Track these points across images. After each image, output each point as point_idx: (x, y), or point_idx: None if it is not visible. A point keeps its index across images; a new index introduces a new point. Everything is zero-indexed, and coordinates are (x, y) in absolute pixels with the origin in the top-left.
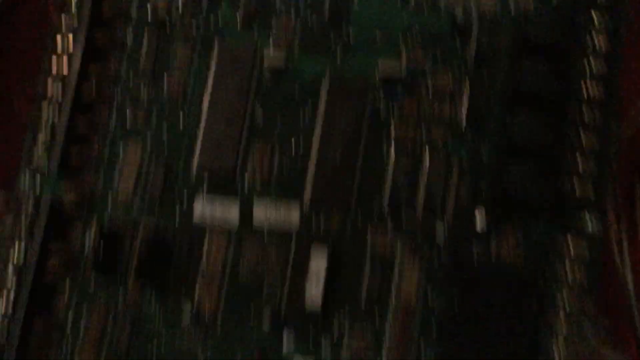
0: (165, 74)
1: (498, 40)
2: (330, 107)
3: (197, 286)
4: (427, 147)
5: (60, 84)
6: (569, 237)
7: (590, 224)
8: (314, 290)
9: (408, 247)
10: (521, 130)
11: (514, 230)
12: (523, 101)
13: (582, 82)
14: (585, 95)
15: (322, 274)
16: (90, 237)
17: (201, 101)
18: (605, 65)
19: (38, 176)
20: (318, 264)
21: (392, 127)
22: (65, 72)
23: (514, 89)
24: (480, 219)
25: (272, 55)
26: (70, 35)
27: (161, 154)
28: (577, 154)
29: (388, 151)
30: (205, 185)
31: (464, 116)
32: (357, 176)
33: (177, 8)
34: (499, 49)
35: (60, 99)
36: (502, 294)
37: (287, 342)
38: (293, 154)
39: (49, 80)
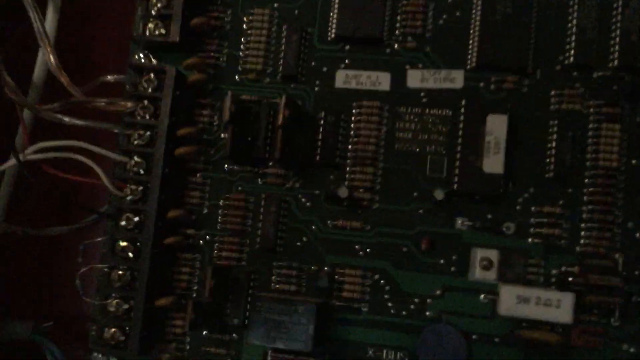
0: None
1: None
2: None
3: (349, 163)
4: None
5: None
6: None
7: None
8: (494, 161)
9: (603, 108)
10: None
11: None
12: None
13: None
14: None
15: (502, 144)
16: (222, 117)
17: None
18: None
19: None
20: (497, 134)
21: None
22: None
23: None
24: None
25: None
26: None
27: (292, 21)
28: None
29: None
30: (347, 58)
31: None
32: (533, 27)
33: None
34: None
35: None
36: None
37: (461, 224)
38: (452, 8)
39: None
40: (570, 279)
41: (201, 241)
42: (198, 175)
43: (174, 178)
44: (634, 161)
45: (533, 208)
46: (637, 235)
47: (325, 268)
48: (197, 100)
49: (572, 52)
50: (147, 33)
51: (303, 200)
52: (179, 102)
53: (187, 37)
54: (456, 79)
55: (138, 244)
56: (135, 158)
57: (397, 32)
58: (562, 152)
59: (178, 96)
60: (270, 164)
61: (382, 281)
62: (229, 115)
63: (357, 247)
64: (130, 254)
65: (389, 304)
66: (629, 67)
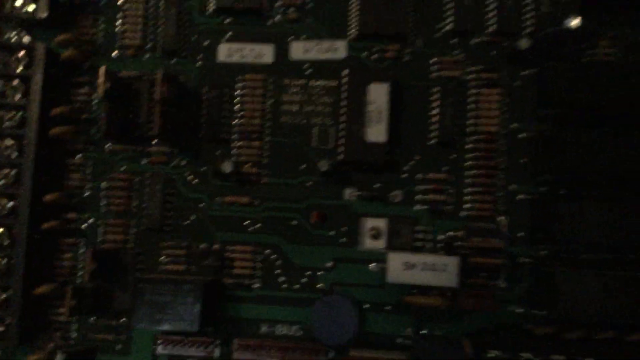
0: None
1: None
2: None
3: (235, 138)
4: None
5: None
6: None
7: None
8: (377, 130)
9: (482, 73)
10: None
11: (608, 35)
12: None
13: None
14: None
15: (385, 113)
16: (98, 94)
17: None
18: None
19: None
20: (379, 103)
21: None
22: None
23: None
24: (572, 22)
25: None
26: None
27: None
28: None
29: None
30: (228, 30)
31: None
32: None
33: None
34: None
35: None
36: (611, 96)
37: (349, 194)
38: None
39: None
40: (457, 243)
41: (84, 225)
42: (78, 156)
43: (51, 160)
44: (513, 125)
45: (418, 175)
46: (519, 197)
47: (216, 246)
48: (74, 78)
49: (451, 19)
50: (15, 10)
51: (189, 177)
52: (53, 80)
53: (59, 12)
54: (339, 49)
55: (13, 230)
56: (7, 141)
57: (278, 2)
58: (444, 118)
59: (51, 74)
60: (154, 142)
61: (273, 256)
62: (104, 92)
63: (246, 222)
64: (7, 241)
65: (281, 279)
66: (506, 32)
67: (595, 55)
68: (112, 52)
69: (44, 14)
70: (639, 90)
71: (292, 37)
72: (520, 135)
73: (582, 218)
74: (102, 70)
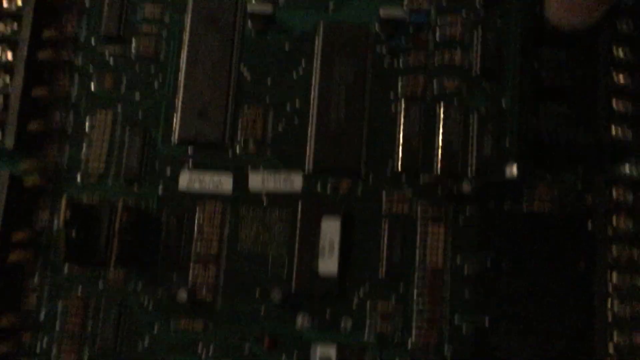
0: (132, 37)
1: None
2: (327, 61)
3: (192, 264)
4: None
5: (9, 49)
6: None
7: (632, 168)
8: (329, 263)
9: (430, 210)
10: (548, 70)
11: (547, 179)
12: (546, 40)
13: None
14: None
15: (336, 246)
16: (59, 222)
17: (177, 63)
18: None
19: None
20: (331, 236)
21: (400, 80)
22: (15, 35)
23: (533, 27)
24: (510, 170)
25: (257, 5)
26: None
27: (135, 124)
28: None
29: (397, 107)
30: (190, 160)
31: (478, 64)
32: (364, 136)
33: None
34: None
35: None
36: (542, 245)
37: (301, 322)
38: (289, 116)
39: None
40: None
41: (38, 347)
42: (35, 278)
43: (8, 283)
44: (458, 259)
45: (368, 305)
46: (464, 328)
47: None
48: (36, 202)
49: (400, 159)
50: None
51: (145, 302)
52: (15, 206)
53: (25, 141)
54: (295, 181)
55: None
56: None
57: (238, 136)
58: (393, 252)
59: (14, 200)
60: (112, 266)
61: None
62: (64, 221)
63: (200, 348)
64: None
65: None
66: (451, 173)
67: (533, 200)
68: (75, 177)
69: (10, 144)
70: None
71: (251, 168)
72: (464, 270)
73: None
74: (63, 201)
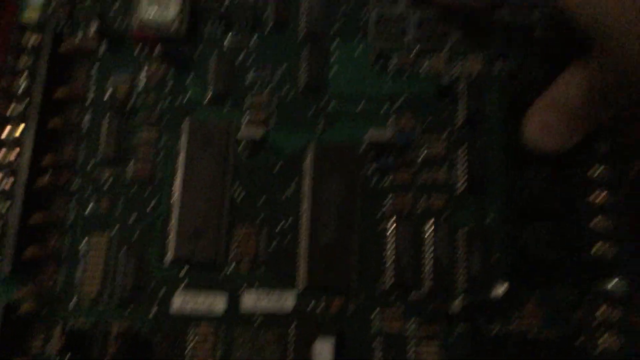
0: (129, 159)
1: (487, 101)
2: (317, 180)
3: None
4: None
5: (10, 177)
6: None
7: (617, 286)
8: None
9: (421, 328)
10: (531, 189)
11: (534, 298)
12: (527, 159)
13: None
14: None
15: None
16: (53, 346)
17: (172, 184)
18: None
19: None
20: (324, 357)
21: (388, 198)
22: (15, 162)
23: (515, 148)
24: (497, 289)
25: (247, 131)
26: (22, 125)
27: (131, 245)
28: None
29: (386, 225)
30: (184, 280)
31: (464, 182)
32: (355, 254)
33: (139, 92)
34: (490, 110)
35: (10, 191)
36: None
37: None
38: (281, 235)
39: None
40: None
41: None
42: None
43: None
44: None
45: None
46: None
47: None
48: (30, 328)
49: (391, 275)
50: None
51: None
52: (9, 333)
53: (21, 266)
54: (287, 300)
55: None
56: None
57: (232, 254)
58: None
59: (8, 328)
60: None
61: None
62: (59, 348)
63: None
64: None
65: None
66: (441, 290)
67: (522, 318)
68: (69, 301)
69: (7, 270)
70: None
71: (244, 287)
72: None
73: None
74: (57, 329)
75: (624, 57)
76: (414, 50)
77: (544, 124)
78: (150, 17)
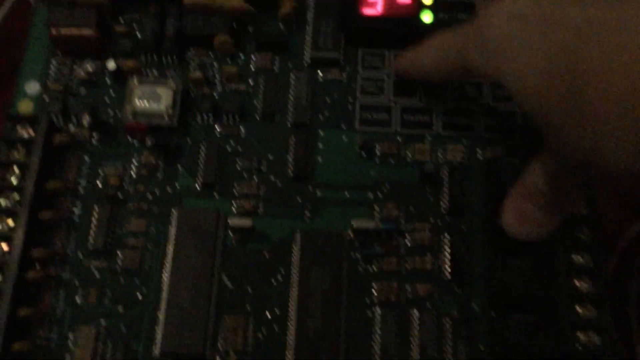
0: (118, 250)
1: (469, 187)
2: (304, 268)
3: None
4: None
5: None
6: None
7: None
8: None
9: None
10: (513, 278)
11: None
12: (508, 247)
13: None
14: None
15: None
16: None
17: (161, 274)
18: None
19: None
20: None
21: (374, 287)
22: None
23: (498, 237)
24: None
25: (236, 219)
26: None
27: (118, 337)
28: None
29: (373, 312)
30: None
31: (448, 269)
32: (342, 343)
33: (130, 182)
34: (472, 197)
35: None
36: None
37: None
38: (268, 325)
39: None
40: None
41: None
42: None
43: None
44: None
45: None
46: None
47: None
48: None
49: None
50: None
51: None
52: None
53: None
54: None
55: None
56: None
57: (219, 346)
58: None
59: None
60: None
61: None
62: None
63: None
64: None
65: None
66: None
67: None
68: None
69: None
70: None
71: None
72: None
73: None
74: None
75: (561, 144)
76: (399, 138)
77: (520, 212)
78: (143, 109)
